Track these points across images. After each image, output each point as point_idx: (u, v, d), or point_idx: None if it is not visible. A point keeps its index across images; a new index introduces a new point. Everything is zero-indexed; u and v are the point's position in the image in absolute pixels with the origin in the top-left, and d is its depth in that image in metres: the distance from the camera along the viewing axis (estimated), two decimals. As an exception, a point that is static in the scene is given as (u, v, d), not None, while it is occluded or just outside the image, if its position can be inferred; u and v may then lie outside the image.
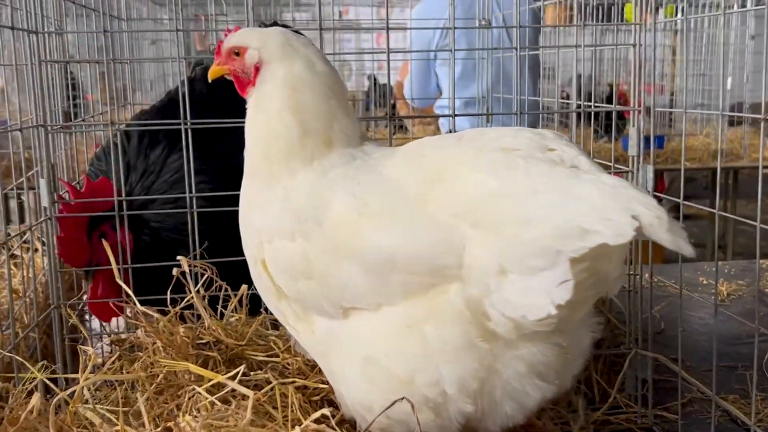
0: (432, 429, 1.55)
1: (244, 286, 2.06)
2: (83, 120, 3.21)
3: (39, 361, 2.03)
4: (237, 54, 1.76)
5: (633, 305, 2.33)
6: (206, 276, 2.04)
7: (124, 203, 2.20)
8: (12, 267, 2.56)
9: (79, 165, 3.32)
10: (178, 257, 2.00)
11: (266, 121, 1.70)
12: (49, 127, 2.15)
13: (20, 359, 1.91)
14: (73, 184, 2.63)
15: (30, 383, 1.83)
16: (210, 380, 1.67)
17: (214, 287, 2.09)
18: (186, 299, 2.01)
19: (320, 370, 1.81)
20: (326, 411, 1.50)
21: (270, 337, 2.07)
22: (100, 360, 1.85)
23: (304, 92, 1.68)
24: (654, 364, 2.25)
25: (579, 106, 2.43)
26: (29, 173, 2.35)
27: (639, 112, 2.23)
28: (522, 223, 1.36)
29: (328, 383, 1.79)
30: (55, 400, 1.60)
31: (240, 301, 2.11)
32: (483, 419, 1.56)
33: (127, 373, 1.84)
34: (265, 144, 1.70)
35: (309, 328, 1.67)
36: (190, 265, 2.02)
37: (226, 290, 2.10)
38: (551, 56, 4.17)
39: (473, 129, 1.73)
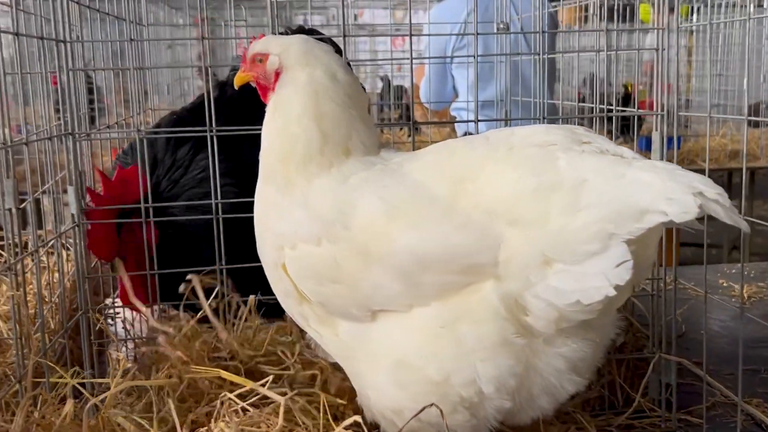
0: (465, 430, 1.56)
1: (252, 297, 2.08)
2: (107, 126, 3.23)
3: (66, 366, 2.05)
4: (260, 61, 1.78)
5: (656, 309, 2.33)
6: (217, 289, 2.05)
7: (150, 195, 2.21)
8: (33, 271, 2.58)
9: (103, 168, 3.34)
10: (188, 276, 2.00)
11: (284, 126, 1.71)
12: (76, 135, 2.17)
13: (53, 365, 1.92)
14: (94, 189, 2.65)
15: (61, 388, 1.85)
16: (239, 387, 1.68)
17: (228, 296, 2.10)
18: (200, 313, 2.02)
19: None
20: (358, 418, 1.51)
21: (279, 348, 2.05)
22: (129, 365, 1.87)
23: (325, 99, 1.69)
24: (677, 368, 2.25)
25: (602, 110, 2.42)
26: (57, 178, 2.37)
27: (662, 116, 2.23)
28: (571, 213, 1.39)
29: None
30: (88, 406, 1.62)
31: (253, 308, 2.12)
32: (518, 414, 1.58)
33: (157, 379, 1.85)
34: (283, 148, 1.70)
35: (333, 331, 1.67)
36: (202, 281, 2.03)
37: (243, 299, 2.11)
38: (565, 57, 4.16)
39: (499, 129, 1.74)
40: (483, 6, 3.73)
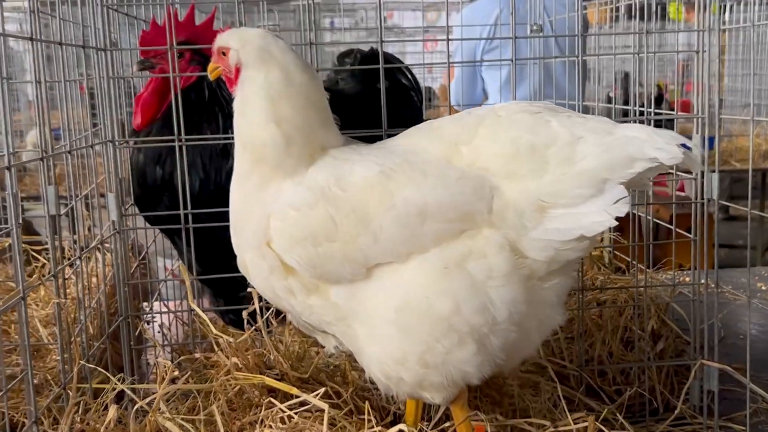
0: (470, 367, 1.62)
1: None
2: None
3: (105, 371, 2.06)
4: (224, 54, 1.80)
5: (697, 314, 2.30)
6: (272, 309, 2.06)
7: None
8: (72, 276, 2.61)
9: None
10: (249, 289, 2.01)
11: (251, 130, 1.74)
12: (116, 142, 2.19)
13: (101, 370, 1.94)
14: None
15: (105, 394, 1.87)
16: (284, 395, 1.68)
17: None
18: (253, 327, 2.05)
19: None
20: (403, 426, 1.51)
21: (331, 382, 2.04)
22: (177, 373, 1.88)
23: (281, 104, 1.72)
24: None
25: (641, 113, 2.40)
26: (96, 182, 2.39)
27: (702, 119, 2.20)
28: (569, 164, 1.58)
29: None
30: (134, 408, 1.63)
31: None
32: (514, 352, 1.68)
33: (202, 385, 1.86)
34: (255, 152, 1.73)
35: (323, 298, 1.69)
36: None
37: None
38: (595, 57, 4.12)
39: (481, 107, 1.86)
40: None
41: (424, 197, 1.61)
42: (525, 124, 1.64)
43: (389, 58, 2.79)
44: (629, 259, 2.88)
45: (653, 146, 1.54)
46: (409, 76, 2.87)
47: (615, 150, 1.57)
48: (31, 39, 1.76)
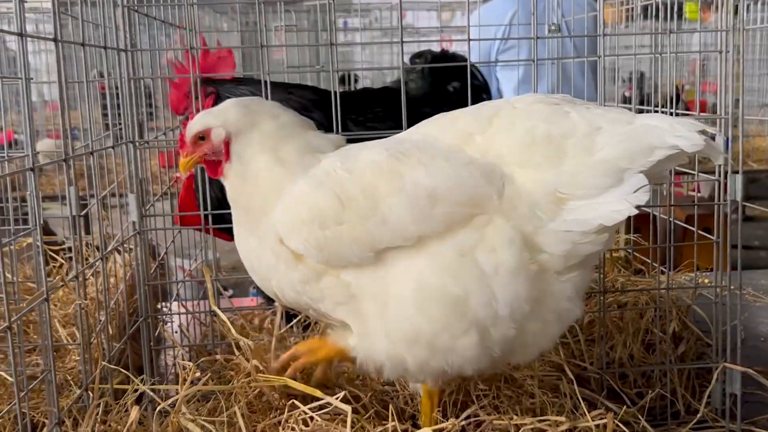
0: (470, 353, 1.61)
1: None
2: (164, 133, 3.26)
3: (124, 371, 2.06)
4: (202, 138, 1.81)
5: (719, 316, 2.27)
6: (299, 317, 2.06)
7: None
8: (90, 277, 2.61)
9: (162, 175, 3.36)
10: (275, 303, 2.02)
11: (257, 190, 1.76)
12: (136, 143, 2.20)
13: (125, 372, 1.94)
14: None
15: (122, 394, 1.87)
16: (303, 397, 1.68)
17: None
18: (274, 335, 2.05)
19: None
20: (428, 429, 1.50)
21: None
22: (198, 374, 1.88)
23: (281, 147, 1.76)
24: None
25: (663, 113, 2.38)
26: (117, 181, 2.40)
27: (725, 119, 2.18)
28: (588, 154, 1.58)
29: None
30: (157, 410, 1.63)
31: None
32: (529, 344, 1.69)
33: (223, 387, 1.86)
34: (259, 203, 1.75)
35: (334, 278, 1.69)
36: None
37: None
38: (610, 57, 4.09)
39: (493, 101, 1.87)
40: (528, 8, 3.69)
41: (433, 179, 1.61)
42: (541, 114, 1.65)
43: (460, 59, 2.80)
44: (649, 261, 2.86)
45: (674, 134, 1.54)
46: (480, 77, 2.87)
47: (635, 139, 1.57)
48: (54, 40, 1.76)
